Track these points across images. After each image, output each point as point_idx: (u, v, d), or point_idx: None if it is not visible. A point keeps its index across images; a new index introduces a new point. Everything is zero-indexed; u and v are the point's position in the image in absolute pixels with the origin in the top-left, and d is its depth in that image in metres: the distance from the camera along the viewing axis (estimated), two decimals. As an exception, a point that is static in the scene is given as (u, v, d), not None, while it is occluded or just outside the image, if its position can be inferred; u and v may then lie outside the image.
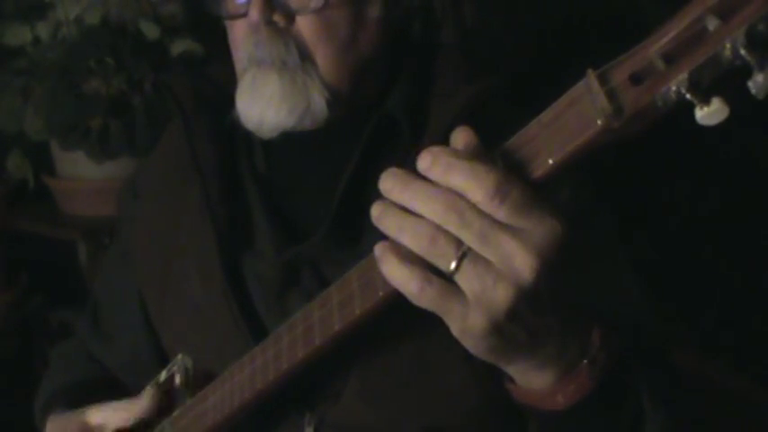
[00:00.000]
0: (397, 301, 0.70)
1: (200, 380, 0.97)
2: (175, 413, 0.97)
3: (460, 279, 0.60)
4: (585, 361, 0.68)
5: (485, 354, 0.65)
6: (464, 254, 0.60)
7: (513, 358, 0.67)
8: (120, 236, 1.17)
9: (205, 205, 0.99)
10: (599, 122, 0.56)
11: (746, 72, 0.52)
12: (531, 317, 0.62)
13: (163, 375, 1.01)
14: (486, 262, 0.60)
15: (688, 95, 0.54)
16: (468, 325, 0.61)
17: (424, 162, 0.61)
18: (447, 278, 0.61)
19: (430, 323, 0.86)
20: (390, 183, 0.62)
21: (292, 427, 0.92)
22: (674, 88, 0.54)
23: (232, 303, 0.96)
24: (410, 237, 0.61)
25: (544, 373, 0.68)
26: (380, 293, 0.70)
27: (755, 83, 0.52)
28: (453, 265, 0.60)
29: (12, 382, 1.88)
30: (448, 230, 0.60)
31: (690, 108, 0.54)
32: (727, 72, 0.53)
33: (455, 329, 0.63)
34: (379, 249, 0.64)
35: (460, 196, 0.59)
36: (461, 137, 0.63)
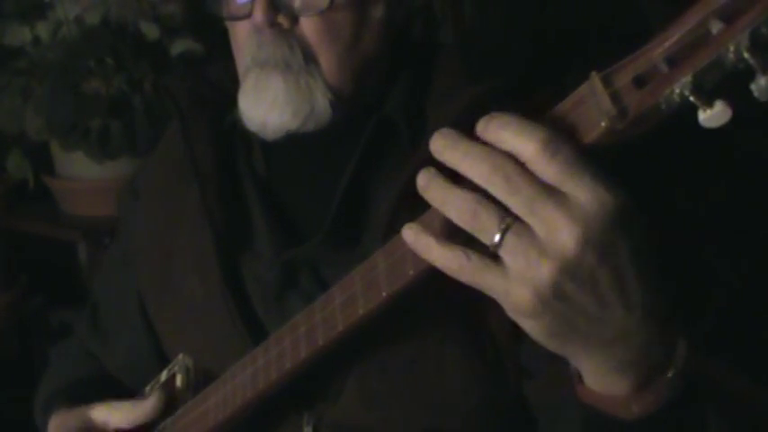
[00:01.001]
0: (400, 301, 0.70)
1: (201, 380, 0.97)
2: (176, 413, 0.97)
3: (504, 253, 0.59)
4: (671, 373, 0.64)
5: (547, 339, 0.62)
6: (507, 227, 0.58)
7: (577, 348, 0.63)
8: (120, 236, 1.17)
9: (203, 206, 0.99)
10: (603, 124, 0.56)
11: (750, 75, 0.52)
12: (582, 296, 0.59)
13: (164, 376, 1.01)
14: (531, 234, 0.58)
15: (691, 98, 0.54)
16: (513, 301, 0.59)
17: (481, 124, 0.60)
18: (490, 252, 0.59)
19: (428, 325, 0.87)
20: (441, 142, 0.61)
21: (291, 427, 0.92)
22: (677, 91, 0.54)
23: (230, 304, 0.96)
24: (454, 209, 0.60)
25: (623, 379, 0.64)
26: (384, 294, 0.70)
27: (758, 86, 0.52)
28: (497, 238, 0.58)
29: (12, 382, 1.87)
30: (491, 203, 0.58)
31: (693, 110, 0.54)
32: (731, 75, 0.53)
33: (506, 307, 0.61)
34: (412, 231, 0.63)
35: (510, 160, 0.58)
36: None
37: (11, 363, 1.98)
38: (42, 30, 1.81)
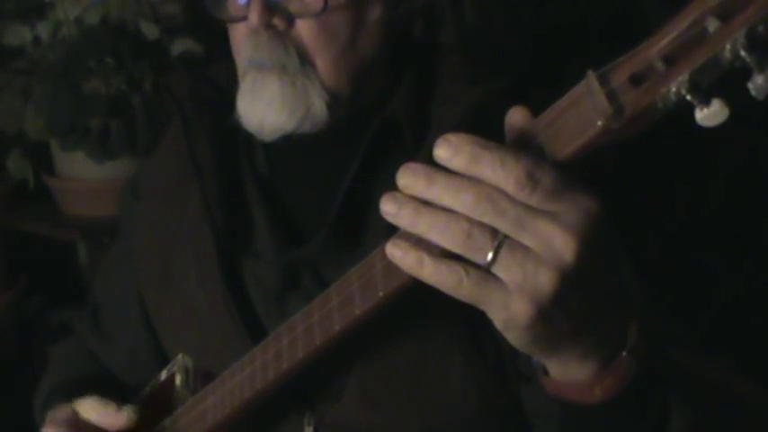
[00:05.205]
0: (397, 301, 0.70)
1: (200, 380, 0.97)
2: (176, 413, 0.97)
3: (499, 269, 0.58)
4: (625, 352, 0.65)
5: (529, 345, 0.62)
6: (500, 243, 0.57)
7: (555, 348, 0.64)
8: (121, 236, 1.17)
9: (204, 206, 0.99)
10: (599, 123, 0.56)
11: (747, 73, 0.52)
12: (575, 302, 0.59)
13: (163, 375, 1.01)
14: (524, 248, 0.57)
15: (688, 97, 0.53)
16: (512, 314, 0.58)
17: (444, 152, 0.58)
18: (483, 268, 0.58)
19: (431, 326, 0.87)
20: (411, 178, 0.59)
21: (292, 427, 0.92)
22: (674, 89, 0.54)
23: (230, 305, 0.96)
24: (443, 233, 0.58)
25: (585, 365, 0.65)
26: (380, 294, 0.70)
27: (755, 84, 0.52)
28: (490, 256, 0.57)
29: (12, 382, 1.88)
30: (481, 221, 0.57)
31: (690, 109, 0.54)
32: (728, 73, 0.53)
33: (498, 321, 0.60)
34: (398, 248, 0.60)
35: (491, 186, 0.57)
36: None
37: (11, 363, 1.98)
38: (42, 30, 1.81)
